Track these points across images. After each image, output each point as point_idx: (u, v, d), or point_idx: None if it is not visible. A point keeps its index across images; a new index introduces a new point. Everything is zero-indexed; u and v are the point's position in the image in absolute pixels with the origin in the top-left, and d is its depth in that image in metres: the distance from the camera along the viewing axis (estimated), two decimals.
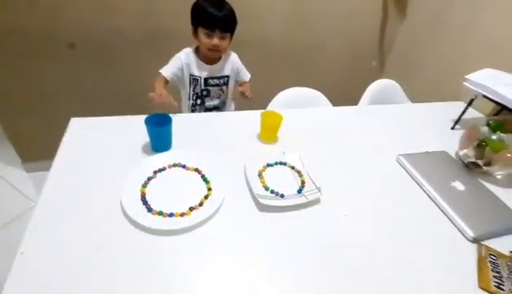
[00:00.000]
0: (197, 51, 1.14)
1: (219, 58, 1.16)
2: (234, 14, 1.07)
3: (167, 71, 1.10)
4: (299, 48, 1.71)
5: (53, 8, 1.25)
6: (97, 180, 0.73)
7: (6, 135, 1.55)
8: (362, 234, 0.68)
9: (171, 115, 0.82)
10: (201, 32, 1.06)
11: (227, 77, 1.20)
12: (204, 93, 1.18)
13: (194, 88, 1.17)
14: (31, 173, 1.70)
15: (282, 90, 1.24)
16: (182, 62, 1.12)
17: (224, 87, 1.21)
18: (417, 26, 1.65)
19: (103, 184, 0.71)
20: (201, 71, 1.14)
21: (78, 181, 0.72)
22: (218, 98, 1.21)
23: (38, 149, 1.60)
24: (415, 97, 1.43)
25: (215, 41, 1.05)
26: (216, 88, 1.19)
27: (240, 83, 1.23)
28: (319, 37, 1.70)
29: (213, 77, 1.17)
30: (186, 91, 1.18)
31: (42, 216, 0.63)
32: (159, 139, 0.81)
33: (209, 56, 1.12)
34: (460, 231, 0.72)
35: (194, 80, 1.16)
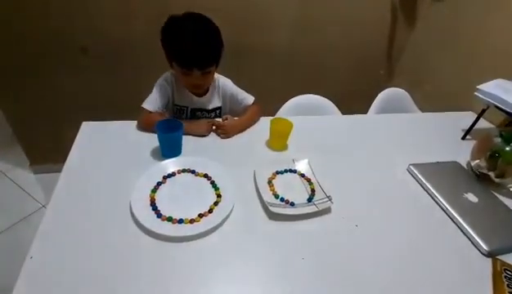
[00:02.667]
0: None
1: (206, 89, 0.98)
2: (216, 39, 0.84)
3: (153, 105, 0.90)
4: (307, 56, 1.71)
5: (67, 13, 1.27)
6: (107, 184, 0.73)
7: (15, 138, 1.57)
8: (374, 246, 0.67)
9: (181, 121, 0.82)
10: (176, 68, 0.86)
11: (219, 108, 1.03)
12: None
13: (179, 118, 0.97)
14: (39, 175, 1.72)
15: (290, 98, 1.23)
16: (168, 91, 0.94)
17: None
18: (426, 35, 1.64)
19: (113, 189, 0.71)
20: (186, 101, 0.98)
21: (88, 185, 0.72)
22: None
23: (46, 152, 1.62)
24: (424, 106, 1.42)
25: (194, 80, 0.87)
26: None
27: (244, 109, 1.03)
28: (326, 45, 1.70)
29: (201, 110, 1.00)
30: None
31: (52, 220, 0.63)
32: (170, 145, 0.81)
33: (193, 92, 0.96)
34: (474, 245, 0.70)
35: (178, 111, 0.98)
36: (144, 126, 0.91)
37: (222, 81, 1.02)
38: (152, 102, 0.91)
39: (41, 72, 1.38)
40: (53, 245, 0.58)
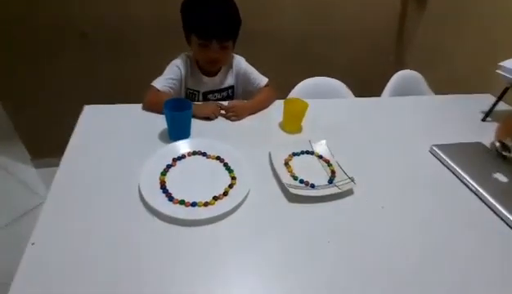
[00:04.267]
0: (195, 58, 0.93)
1: (220, 68, 0.96)
2: (236, 13, 0.83)
3: (163, 83, 0.87)
4: (316, 41, 1.65)
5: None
6: (112, 167, 0.68)
7: (15, 132, 1.52)
8: (402, 227, 0.62)
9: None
10: (195, 41, 0.84)
11: (231, 87, 1.00)
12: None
13: None
14: (41, 169, 1.67)
15: (298, 82, 1.17)
16: (182, 73, 0.91)
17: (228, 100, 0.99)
18: (438, 15, 1.58)
19: (118, 172, 0.67)
20: (199, 85, 0.95)
21: (92, 170, 0.67)
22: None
23: (47, 146, 1.58)
24: (437, 89, 1.36)
25: (212, 54, 0.84)
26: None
27: (257, 91, 0.98)
28: (336, 29, 1.65)
29: (213, 92, 0.97)
30: None
31: (54, 205, 0.58)
32: (178, 125, 0.76)
33: (208, 69, 0.93)
34: (508, 225, 0.65)
35: (190, 94, 0.96)
36: (149, 105, 0.85)
37: (237, 59, 0.99)
38: (161, 81, 0.88)
39: (40, 60, 1.33)
40: (56, 231, 0.53)
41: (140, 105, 0.89)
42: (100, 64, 1.40)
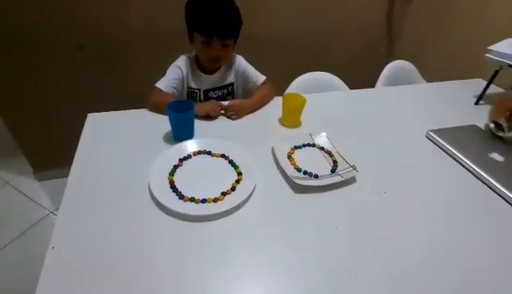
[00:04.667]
0: (196, 57, 0.96)
1: (218, 67, 0.99)
2: (237, 13, 0.86)
3: (166, 84, 0.91)
4: (308, 38, 1.68)
5: (60, 10, 1.23)
6: (121, 171, 0.70)
7: (16, 145, 1.53)
8: (405, 211, 0.65)
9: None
10: (197, 38, 0.87)
11: (231, 85, 1.02)
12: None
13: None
14: (43, 182, 1.68)
15: (294, 78, 1.20)
16: (183, 72, 0.94)
17: (229, 98, 1.03)
18: (425, 6, 1.61)
19: (128, 175, 0.68)
20: (199, 83, 0.97)
21: (101, 174, 0.69)
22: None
23: (48, 158, 1.59)
24: (428, 77, 1.39)
25: (213, 51, 0.87)
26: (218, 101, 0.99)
27: (255, 89, 1.00)
28: (327, 25, 1.68)
29: (213, 89, 0.99)
30: None
31: (69, 211, 0.60)
32: (182, 126, 0.78)
33: (209, 67, 0.96)
34: (508, 202, 0.68)
35: (192, 93, 0.98)
36: (154, 106, 0.89)
37: (237, 57, 1.02)
38: (164, 82, 0.92)
39: (38, 72, 1.34)
40: (73, 235, 0.55)
41: (142, 110, 0.91)
42: (98, 75, 1.41)
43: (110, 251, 0.53)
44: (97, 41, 1.33)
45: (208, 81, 0.98)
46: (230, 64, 1.00)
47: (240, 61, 1.02)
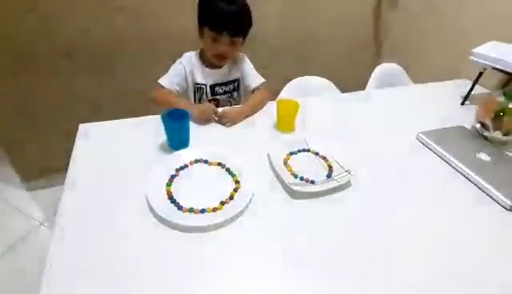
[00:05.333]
0: (201, 54, 0.98)
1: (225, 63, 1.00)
2: (249, 13, 0.88)
3: (168, 81, 0.93)
4: (298, 43, 1.69)
5: (45, 17, 1.20)
6: (117, 182, 0.69)
7: (5, 156, 1.49)
8: (400, 212, 0.67)
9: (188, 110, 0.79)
10: (207, 33, 0.89)
11: (237, 80, 1.03)
12: (212, 103, 1.01)
13: (199, 99, 1.01)
14: (32, 192, 1.63)
15: (284, 83, 1.20)
16: (185, 69, 0.96)
17: (235, 94, 1.04)
18: (410, 9, 1.66)
19: (124, 187, 0.68)
20: (206, 78, 0.98)
21: (97, 186, 0.68)
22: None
23: (37, 167, 1.55)
24: (415, 79, 1.43)
25: (222, 47, 0.89)
26: (225, 96, 1.03)
27: (252, 91, 1.02)
28: (315, 29, 1.70)
29: (220, 84, 1.01)
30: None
31: (65, 227, 0.59)
32: (178, 135, 0.78)
33: (214, 63, 0.97)
34: (495, 200, 0.70)
35: (199, 89, 0.99)
36: (156, 102, 0.92)
37: (242, 55, 1.04)
38: (166, 78, 0.95)
39: (24, 80, 1.31)
40: (70, 251, 0.54)
41: (134, 119, 0.90)
42: (85, 82, 1.39)
43: (109, 267, 0.52)
44: (84, 47, 1.31)
45: (213, 75, 0.99)
46: (235, 60, 1.02)
47: (246, 60, 1.04)
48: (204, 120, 0.88)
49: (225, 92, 1.02)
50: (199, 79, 0.98)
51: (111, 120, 0.90)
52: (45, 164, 1.52)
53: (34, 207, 1.56)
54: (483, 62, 1.04)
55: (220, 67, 0.99)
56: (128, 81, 1.43)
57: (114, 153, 0.78)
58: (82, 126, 0.87)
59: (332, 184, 0.69)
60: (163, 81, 0.94)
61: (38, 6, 1.18)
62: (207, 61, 0.97)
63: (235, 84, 1.04)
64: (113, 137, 0.84)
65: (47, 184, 1.60)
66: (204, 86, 0.99)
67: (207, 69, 0.98)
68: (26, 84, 1.32)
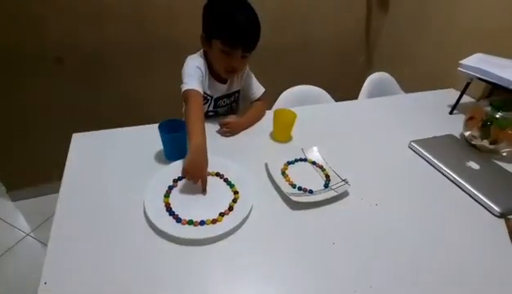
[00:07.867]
0: (208, 63, 0.90)
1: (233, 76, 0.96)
2: (259, 24, 0.82)
3: (197, 84, 0.81)
4: (289, 53, 1.71)
5: (36, 21, 1.18)
6: (113, 194, 0.68)
7: None
8: (396, 221, 0.68)
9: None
10: (218, 47, 0.81)
11: (237, 92, 1.01)
12: (211, 114, 0.99)
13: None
14: (18, 202, 1.58)
15: (278, 92, 1.22)
16: (203, 74, 0.87)
17: (234, 105, 1.03)
18: (400, 19, 1.71)
19: (120, 199, 0.66)
20: (212, 90, 0.93)
21: (92, 198, 0.66)
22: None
23: (23, 177, 1.50)
24: (405, 89, 1.47)
25: (233, 62, 0.82)
26: (224, 109, 1.00)
27: (252, 102, 1.01)
28: (306, 37, 1.73)
29: (223, 97, 0.97)
30: None
31: (60, 241, 0.57)
32: (175, 146, 0.77)
33: (223, 77, 0.92)
34: (485, 208, 0.73)
35: (204, 99, 0.92)
36: (194, 110, 0.77)
37: (247, 69, 1.00)
38: (194, 82, 0.82)
39: (12, 87, 1.27)
40: (66, 266, 0.53)
41: (128, 129, 0.89)
42: (76, 90, 1.36)
43: (106, 282, 0.51)
44: (75, 54, 1.29)
45: (220, 89, 0.95)
46: (241, 73, 0.98)
47: (249, 72, 1.01)
48: (192, 177, 0.68)
49: (226, 105, 1.01)
50: (207, 90, 0.92)
51: (104, 129, 0.88)
52: (32, 173, 1.48)
53: (20, 217, 1.51)
54: (470, 73, 1.08)
55: (226, 81, 0.95)
56: (123, 88, 1.42)
57: (109, 163, 0.77)
58: (75, 136, 0.85)
59: (330, 194, 0.70)
60: (194, 84, 0.81)
61: (24, 11, 1.15)
62: (214, 73, 0.92)
63: (236, 95, 1.02)
64: (107, 147, 0.82)
65: (33, 194, 1.56)
66: (209, 98, 0.94)
67: (216, 83, 0.93)
68: (13, 90, 1.29)
